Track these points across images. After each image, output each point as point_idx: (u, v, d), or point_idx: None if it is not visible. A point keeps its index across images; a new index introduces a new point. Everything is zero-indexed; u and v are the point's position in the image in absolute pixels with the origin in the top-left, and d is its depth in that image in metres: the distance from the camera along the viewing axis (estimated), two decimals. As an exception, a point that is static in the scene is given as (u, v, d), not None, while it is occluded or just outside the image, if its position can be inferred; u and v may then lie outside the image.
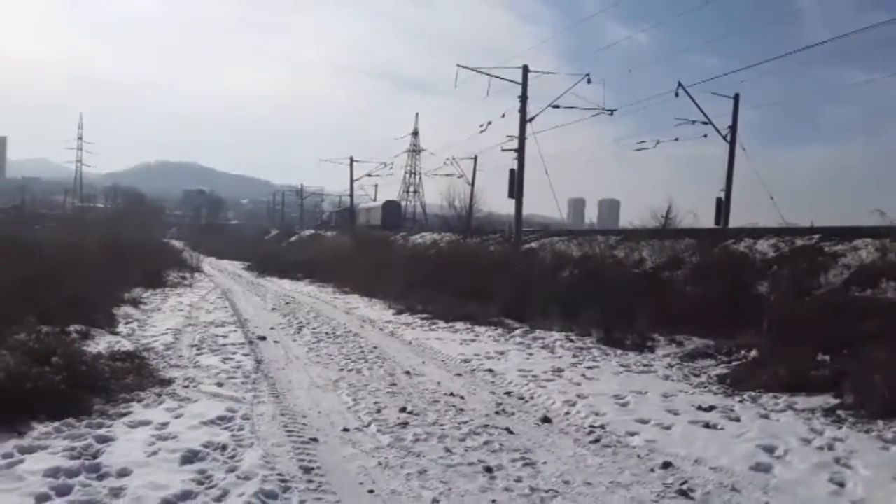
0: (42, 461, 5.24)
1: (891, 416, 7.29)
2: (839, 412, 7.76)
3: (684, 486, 5.42)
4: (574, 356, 11.33)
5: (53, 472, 5.00)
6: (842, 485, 5.55)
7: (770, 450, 6.37)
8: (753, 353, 10.60)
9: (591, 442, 6.68)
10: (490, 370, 10.07)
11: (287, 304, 19.50)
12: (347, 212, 58.09)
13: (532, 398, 8.43)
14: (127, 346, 10.36)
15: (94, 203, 79.54)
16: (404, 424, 6.96)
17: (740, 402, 8.46)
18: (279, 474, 5.28)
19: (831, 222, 15.27)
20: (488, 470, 5.68)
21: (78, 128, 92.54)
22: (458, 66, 25.31)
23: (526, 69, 24.44)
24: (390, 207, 51.07)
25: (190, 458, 5.54)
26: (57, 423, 6.13)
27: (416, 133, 77.12)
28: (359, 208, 56.71)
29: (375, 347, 11.90)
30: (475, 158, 39.05)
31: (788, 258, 13.81)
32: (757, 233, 16.09)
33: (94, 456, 5.47)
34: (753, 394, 8.83)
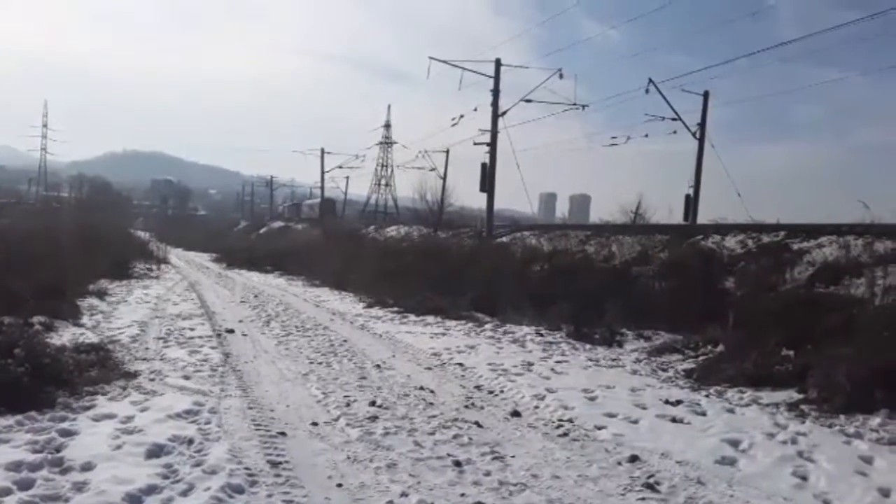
0: (4, 455, 5.13)
1: (853, 411, 7.46)
2: (803, 406, 7.90)
3: (651, 480, 5.48)
4: (544, 350, 11.39)
5: (15, 466, 4.91)
6: (805, 478, 5.64)
7: (735, 444, 6.47)
8: (720, 347, 10.75)
9: (559, 436, 6.72)
10: (460, 364, 10.08)
11: (256, 296, 19.34)
12: (296, 206, 70.34)
13: (502, 392, 8.46)
14: (92, 338, 10.19)
15: (60, 192, 77.93)
16: (374, 418, 6.94)
17: (706, 396, 8.58)
18: (246, 468, 5.23)
19: (798, 219, 15.55)
20: (457, 464, 5.68)
21: (42, 115, 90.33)
22: (431, 58, 25.31)
23: (498, 63, 24.51)
24: (326, 204, 60.01)
25: (155, 451, 5.46)
26: (19, 417, 6.00)
27: (388, 125, 76.57)
28: (303, 204, 68.48)
29: (345, 341, 11.85)
30: (447, 152, 39.01)
31: (755, 254, 14.02)
32: (724, 229, 16.30)
33: (58, 450, 5.37)
34: (719, 388, 8.97)
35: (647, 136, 27.38)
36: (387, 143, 75.47)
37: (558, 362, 10.40)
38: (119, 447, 5.52)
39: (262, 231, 55.29)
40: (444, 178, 38.31)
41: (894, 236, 11.69)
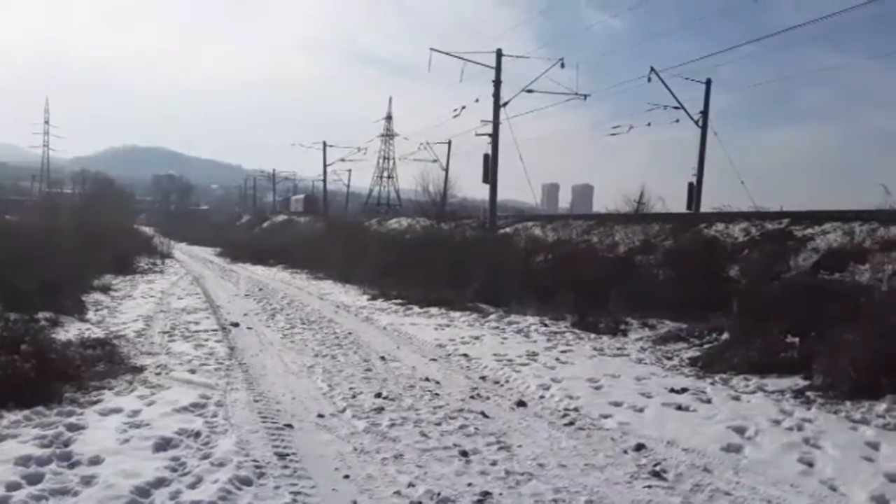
0: (12, 449, 5.15)
1: (858, 397, 7.44)
2: (808, 393, 7.90)
3: (657, 468, 5.49)
4: (548, 340, 11.40)
5: (24, 461, 4.93)
6: (811, 465, 5.64)
7: (741, 431, 6.46)
8: (724, 335, 10.73)
9: (565, 425, 6.73)
10: (465, 355, 10.09)
11: (260, 290, 19.37)
12: (285, 201, 75.86)
13: (507, 382, 8.47)
14: (97, 333, 10.22)
15: (62, 188, 77.88)
16: (380, 410, 6.95)
17: (712, 384, 8.58)
18: (254, 460, 5.25)
19: (805, 206, 15.50)
20: (464, 454, 5.70)
21: (44, 111, 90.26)
22: (432, 49, 25.30)
23: (500, 53, 24.40)
24: (310, 199, 64.70)
25: (163, 445, 5.48)
26: (27, 412, 6.03)
27: (389, 117, 76.53)
28: (291, 199, 74.06)
29: (350, 333, 11.87)
30: (449, 143, 39.15)
31: (759, 242, 13.98)
32: (728, 217, 16.25)
33: (66, 444, 5.39)
34: (724, 376, 8.96)
35: (649, 124, 27.37)
36: (388, 135, 75.45)
37: (563, 352, 10.41)
38: (126, 441, 5.54)
39: (265, 225, 55.35)
40: (447, 170, 38.45)
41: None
